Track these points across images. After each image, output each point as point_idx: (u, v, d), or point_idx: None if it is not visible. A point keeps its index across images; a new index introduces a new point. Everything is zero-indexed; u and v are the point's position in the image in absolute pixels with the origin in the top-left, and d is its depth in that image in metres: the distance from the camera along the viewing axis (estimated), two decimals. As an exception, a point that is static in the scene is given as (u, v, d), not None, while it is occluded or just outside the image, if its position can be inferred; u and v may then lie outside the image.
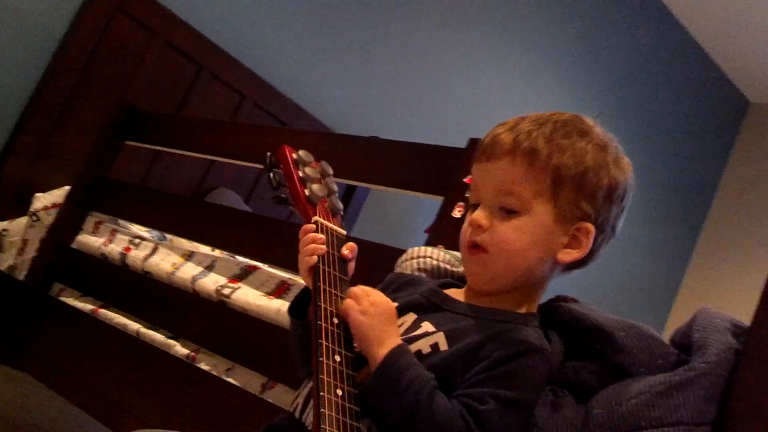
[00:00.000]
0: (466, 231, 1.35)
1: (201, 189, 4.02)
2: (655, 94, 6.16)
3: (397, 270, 1.70)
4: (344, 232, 1.42)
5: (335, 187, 1.50)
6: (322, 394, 1.13)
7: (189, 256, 2.53)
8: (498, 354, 1.23)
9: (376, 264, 1.94)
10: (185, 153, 3.04)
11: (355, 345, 1.24)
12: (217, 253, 2.67)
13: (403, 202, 4.63)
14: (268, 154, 1.51)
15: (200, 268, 2.44)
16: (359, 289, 1.26)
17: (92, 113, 3.51)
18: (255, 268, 2.33)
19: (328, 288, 1.29)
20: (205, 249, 2.78)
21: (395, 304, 1.30)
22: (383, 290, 1.41)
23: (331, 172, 1.52)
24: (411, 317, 1.33)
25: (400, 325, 1.31)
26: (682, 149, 6.45)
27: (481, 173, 1.34)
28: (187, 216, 2.74)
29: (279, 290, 2.21)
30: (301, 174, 1.47)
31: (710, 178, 6.76)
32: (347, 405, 1.14)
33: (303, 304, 1.38)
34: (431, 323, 1.31)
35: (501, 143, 1.32)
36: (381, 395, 1.17)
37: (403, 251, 1.86)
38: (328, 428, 1.09)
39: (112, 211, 2.99)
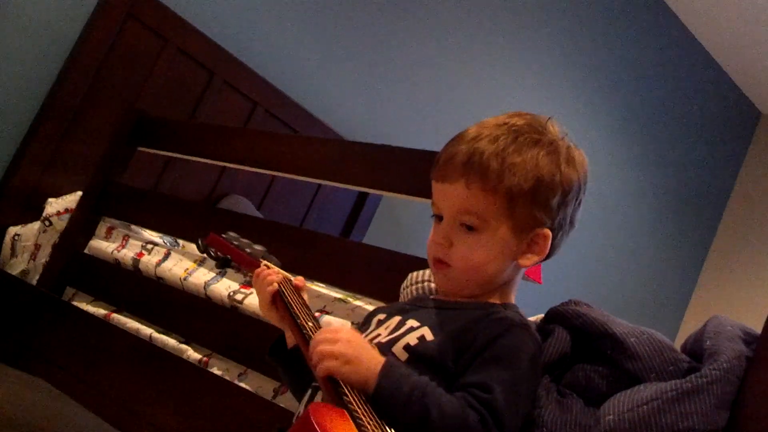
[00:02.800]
0: (430, 246, 1.40)
1: (213, 196, 4.03)
2: (669, 105, 6.17)
3: (401, 297, 1.73)
4: (290, 275, 1.55)
5: (266, 250, 1.68)
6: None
7: (201, 261, 2.54)
8: (483, 336, 1.28)
9: (388, 271, 1.96)
10: (197, 159, 3.04)
11: None
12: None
13: (416, 210, 4.64)
14: (199, 240, 1.76)
15: (212, 274, 2.45)
16: (327, 338, 1.24)
17: (104, 119, 3.52)
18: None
19: (296, 304, 1.42)
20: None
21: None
22: (365, 321, 1.50)
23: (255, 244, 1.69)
24: (396, 319, 1.39)
25: (386, 328, 1.38)
26: (695, 160, 6.45)
27: (440, 191, 1.39)
28: (199, 222, 2.75)
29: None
30: (236, 243, 1.68)
31: (722, 189, 6.76)
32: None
33: (278, 348, 1.50)
34: (415, 320, 1.36)
35: (455, 165, 1.36)
36: (387, 411, 1.18)
37: (414, 259, 1.88)
38: (345, 388, 1.16)
39: (125, 216, 3.00)
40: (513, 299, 1.43)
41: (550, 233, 1.38)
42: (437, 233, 1.38)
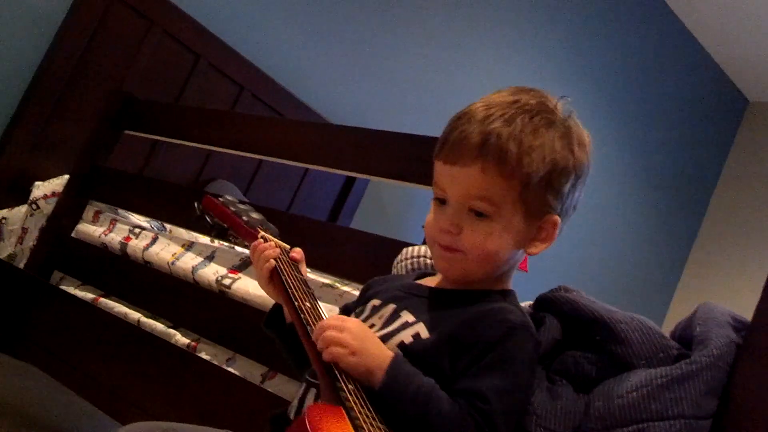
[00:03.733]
0: (435, 231, 1.33)
1: (199, 181, 4.02)
2: (656, 92, 6.18)
3: (393, 271, 1.72)
4: (288, 246, 1.51)
5: (265, 218, 1.62)
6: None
7: (189, 246, 2.54)
8: (484, 341, 1.23)
9: (376, 256, 1.96)
10: (183, 143, 3.03)
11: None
12: (216, 243, 2.68)
13: (402, 195, 4.64)
14: (195, 203, 1.68)
15: (200, 258, 2.44)
16: (330, 327, 1.22)
17: (90, 102, 3.50)
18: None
19: (294, 282, 1.38)
20: (204, 239, 2.78)
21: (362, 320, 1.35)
22: (361, 296, 1.48)
23: (254, 209, 1.65)
24: (390, 308, 1.35)
25: (380, 317, 1.34)
26: (682, 146, 6.48)
27: (449, 174, 1.31)
28: (186, 206, 2.74)
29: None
30: (233, 209, 1.61)
31: (709, 175, 6.79)
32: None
33: (275, 319, 1.47)
34: (410, 312, 1.32)
35: (469, 146, 1.29)
36: (389, 409, 1.16)
37: (402, 243, 1.88)
38: (340, 376, 1.15)
39: (112, 200, 2.98)
40: (510, 284, 1.39)
41: (559, 220, 1.33)
42: (443, 219, 1.31)
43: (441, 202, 1.33)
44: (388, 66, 4.63)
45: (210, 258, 2.43)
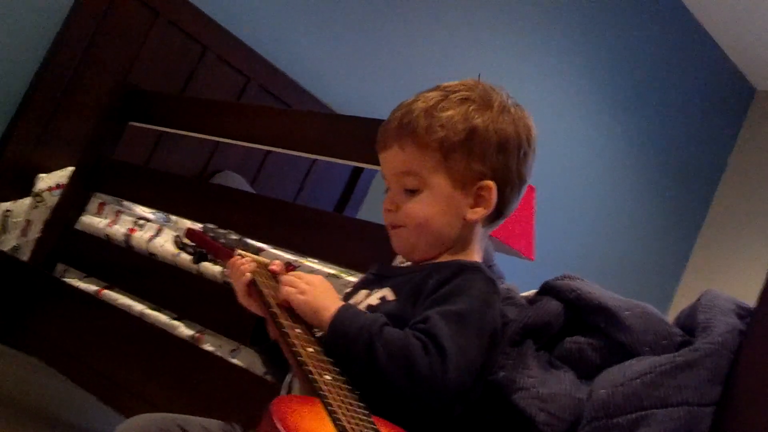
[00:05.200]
0: (383, 214, 1.44)
1: (206, 172, 4.01)
2: (662, 81, 6.15)
3: (396, 261, 1.73)
4: (268, 261, 1.52)
5: (245, 239, 1.66)
6: (294, 349, 1.19)
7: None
8: (434, 281, 1.31)
9: (382, 247, 1.94)
10: (189, 134, 3.03)
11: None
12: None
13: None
14: (175, 239, 1.75)
15: (205, 250, 2.44)
16: (293, 275, 1.36)
17: (95, 94, 3.49)
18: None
19: (271, 292, 1.38)
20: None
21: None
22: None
23: (234, 232, 1.67)
24: (363, 293, 1.42)
25: (353, 302, 1.40)
26: (689, 135, 6.45)
27: (382, 162, 1.44)
28: (191, 198, 2.74)
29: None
30: (212, 235, 1.66)
31: (716, 163, 6.76)
32: (324, 357, 1.19)
33: (259, 335, 1.49)
34: (379, 287, 1.40)
35: (388, 130, 1.43)
36: (338, 351, 1.22)
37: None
38: (314, 370, 1.14)
39: (116, 192, 2.98)
40: (477, 258, 1.44)
41: (493, 184, 1.38)
42: (385, 201, 1.43)
43: (387, 191, 1.45)
44: (396, 57, 4.62)
45: (214, 250, 2.42)
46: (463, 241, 1.42)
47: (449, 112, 1.38)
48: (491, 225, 1.46)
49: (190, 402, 2.14)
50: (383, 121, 2.26)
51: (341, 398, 1.09)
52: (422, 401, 1.19)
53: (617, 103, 5.89)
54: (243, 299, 1.47)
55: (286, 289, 1.31)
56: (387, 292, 1.36)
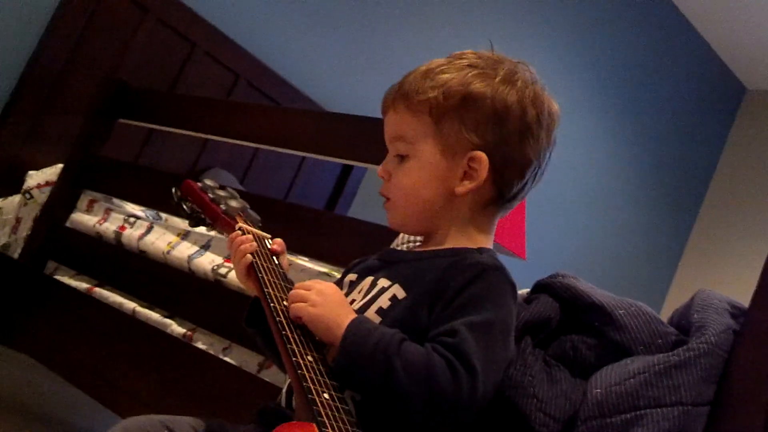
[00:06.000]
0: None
1: (195, 169, 4.01)
2: (653, 80, 6.17)
3: None
4: (269, 235, 1.46)
5: (247, 204, 1.56)
6: (295, 359, 1.14)
7: (184, 235, 2.53)
8: (455, 284, 1.21)
9: (374, 245, 1.95)
10: (179, 131, 3.02)
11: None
12: (212, 232, 2.66)
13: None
14: (173, 189, 1.61)
15: (196, 248, 2.43)
16: (301, 287, 1.26)
17: (84, 91, 3.48)
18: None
19: (271, 279, 1.32)
20: (200, 228, 2.76)
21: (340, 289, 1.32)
22: (341, 278, 1.45)
23: (237, 195, 1.58)
24: (368, 280, 1.34)
25: (359, 291, 1.33)
26: (680, 134, 6.47)
27: (384, 130, 1.38)
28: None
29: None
30: (211, 196, 1.55)
31: (707, 163, 6.79)
32: (323, 369, 1.14)
33: (255, 315, 1.42)
34: (386, 278, 1.31)
35: (387, 97, 1.37)
36: (352, 370, 1.15)
37: (398, 232, 1.87)
38: (313, 387, 1.10)
39: (106, 189, 2.97)
40: (488, 244, 1.35)
41: (485, 156, 1.29)
42: (378, 170, 1.38)
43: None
44: (386, 54, 4.61)
45: (206, 247, 2.42)
46: (459, 221, 1.33)
47: (446, 75, 1.31)
48: (498, 208, 1.36)
49: (182, 400, 2.13)
50: (373, 118, 2.27)
51: (340, 423, 1.05)
52: (446, 422, 1.13)
53: (609, 102, 5.90)
54: (241, 279, 1.40)
55: (298, 306, 1.22)
56: (396, 290, 1.26)
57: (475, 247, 1.32)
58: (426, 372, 1.11)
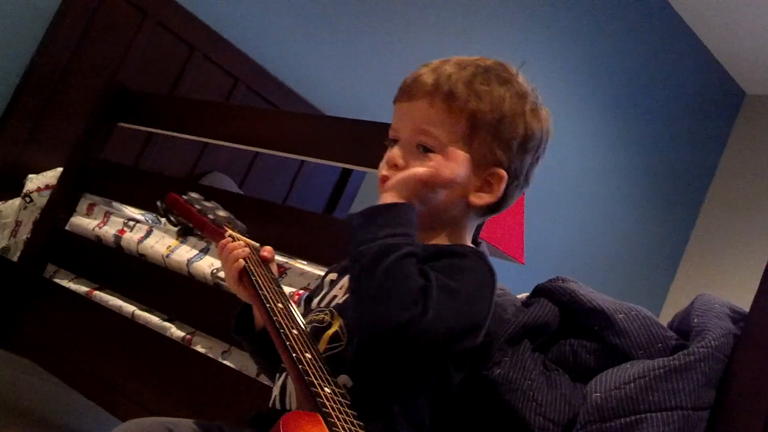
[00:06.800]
0: (382, 167, 1.38)
1: (194, 173, 4.01)
2: (652, 84, 6.17)
3: None
4: (258, 244, 1.48)
5: (232, 215, 1.58)
6: (295, 355, 1.16)
7: (184, 239, 2.53)
8: (434, 251, 1.28)
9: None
10: (178, 135, 3.02)
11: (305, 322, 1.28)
12: (212, 236, 2.66)
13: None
14: (158, 203, 1.62)
15: (195, 251, 2.43)
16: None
17: (83, 95, 3.48)
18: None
19: (265, 282, 1.34)
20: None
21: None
22: (321, 280, 1.48)
23: (221, 207, 1.60)
24: (347, 278, 1.36)
25: (340, 288, 1.37)
26: (679, 139, 6.48)
27: (401, 112, 1.38)
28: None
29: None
30: (198, 207, 1.56)
31: (706, 167, 6.79)
32: (321, 365, 1.16)
33: (244, 323, 1.46)
34: None
35: (421, 83, 1.35)
36: (360, 230, 1.23)
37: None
38: (316, 381, 1.12)
39: (105, 193, 2.97)
40: (469, 243, 1.40)
41: (506, 175, 1.34)
42: (392, 154, 1.36)
43: (393, 143, 1.38)
44: (384, 58, 4.61)
45: (205, 251, 2.42)
46: (455, 224, 1.37)
47: (489, 89, 1.33)
48: (483, 217, 1.42)
49: (181, 403, 2.13)
50: (372, 122, 2.27)
51: (343, 415, 1.08)
52: (384, 334, 1.16)
53: (608, 107, 5.91)
54: (233, 285, 1.41)
55: (422, 170, 1.29)
56: None
57: (458, 243, 1.37)
58: (405, 282, 1.17)
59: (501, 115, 1.33)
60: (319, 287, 1.45)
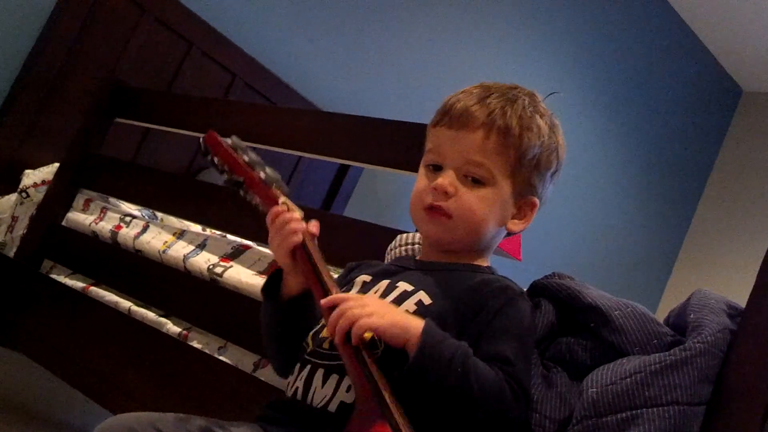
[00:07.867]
0: (424, 193, 1.39)
1: (192, 169, 4.00)
2: (650, 81, 6.17)
3: (387, 258, 1.72)
4: (302, 212, 1.43)
5: (279, 175, 1.51)
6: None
7: (180, 234, 2.52)
8: (490, 307, 1.29)
9: (370, 244, 1.95)
10: (176, 131, 3.01)
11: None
12: (208, 231, 2.66)
13: (395, 183, 4.63)
14: (201, 139, 1.50)
15: (192, 247, 2.43)
16: (352, 299, 1.25)
17: (81, 90, 3.48)
18: (247, 247, 2.33)
19: (321, 265, 1.33)
20: (196, 228, 2.76)
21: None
22: (343, 277, 1.49)
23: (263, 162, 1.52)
24: (384, 283, 1.38)
25: (375, 292, 1.37)
26: (677, 136, 6.48)
27: (450, 140, 1.38)
28: (178, 195, 2.73)
29: (271, 269, 2.20)
30: (246, 159, 1.47)
31: (703, 164, 6.80)
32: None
33: (275, 285, 1.44)
34: (406, 282, 1.35)
35: (474, 116, 1.37)
36: (426, 374, 1.18)
37: (396, 231, 1.87)
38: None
39: (102, 188, 2.96)
40: (488, 262, 1.46)
41: (538, 203, 1.43)
42: (441, 180, 1.36)
43: (435, 168, 1.40)
44: (382, 55, 4.61)
45: (201, 246, 2.41)
46: (488, 248, 1.44)
47: (536, 123, 1.39)
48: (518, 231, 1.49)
49: (177, 399, 2.13)
50: (369, 118, 2.27)
51: (404, 419, 1.10)
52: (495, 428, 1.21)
53: (605, 103, 5.90)
54: (282, 257, 1.39)
55: (366, 321, 1.19)
56: (422, 296, 1.31)
57: (486, 265, 1.43)
58: (499, 396, 1.19)
59: (543, 148, 1.40)
60: (348, 284, 1.45)
